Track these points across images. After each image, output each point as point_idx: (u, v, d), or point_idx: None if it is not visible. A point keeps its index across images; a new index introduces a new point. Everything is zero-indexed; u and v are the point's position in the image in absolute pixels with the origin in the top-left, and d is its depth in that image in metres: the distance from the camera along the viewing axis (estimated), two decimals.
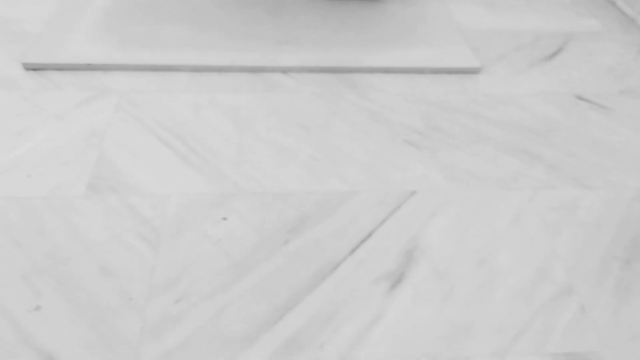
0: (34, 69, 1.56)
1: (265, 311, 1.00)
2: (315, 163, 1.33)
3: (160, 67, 1.59)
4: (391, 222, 1.19)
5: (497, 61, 1.76)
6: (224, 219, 1.17)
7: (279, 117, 1.46)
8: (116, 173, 1.26)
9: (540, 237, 1.18)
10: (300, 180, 1.28)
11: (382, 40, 1.74)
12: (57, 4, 1.81)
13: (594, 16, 2.02)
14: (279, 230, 1.15)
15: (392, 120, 1.48)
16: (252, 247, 1.12)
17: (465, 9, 2.00)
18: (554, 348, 0.97)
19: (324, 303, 1.02)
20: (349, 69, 1.65)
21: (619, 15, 2.04)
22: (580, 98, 1.61)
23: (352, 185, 1.27)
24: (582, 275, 1.10)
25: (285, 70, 1.64)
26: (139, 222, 1.15)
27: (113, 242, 1.10)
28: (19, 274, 1.03)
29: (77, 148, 1.31)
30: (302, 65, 1.63)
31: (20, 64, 1.57)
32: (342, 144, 1.39)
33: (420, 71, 1.67)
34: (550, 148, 1.42)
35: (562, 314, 1.03)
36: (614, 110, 1.57)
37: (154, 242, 1.11)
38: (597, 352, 0.97)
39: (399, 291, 1.05)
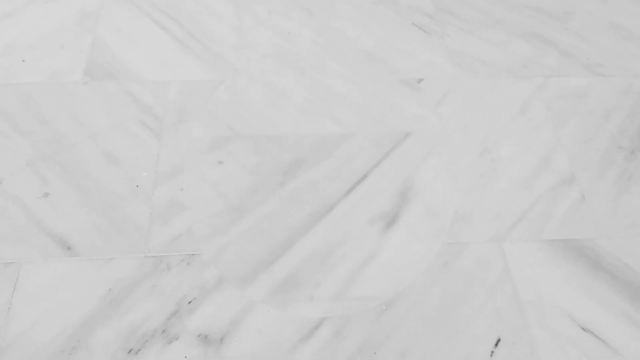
0: None
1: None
2: (317, 49, 1.28)
3: None
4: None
5: None
6: None
7: None
8: (113, 59, 1.21)
9: (546, 127, 1.16)
10: (300, 71, 1.23)
11: None
12: None
13: None
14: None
15: (400, 2, 1.40)
16: None
17: None
18: (551, 235, 1.00)
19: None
20: None
21: None
22: None
23: (353, 75, 1.23)
24: (585, 165, 1.10)
25: None
26: (140, 109, 1.13)
27: (116, 130, 1.09)
28: (24, 161, 1.04)
29: (71, 32, 1.26)
30: None
31: None
32: (346, 28, 1.33)
33: None
34: (565, 33, 1.35)
35: (561, 202, 1.05)
36: None
37: (156, 130, 1.10)
38: (593, 239, 1.00)
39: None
